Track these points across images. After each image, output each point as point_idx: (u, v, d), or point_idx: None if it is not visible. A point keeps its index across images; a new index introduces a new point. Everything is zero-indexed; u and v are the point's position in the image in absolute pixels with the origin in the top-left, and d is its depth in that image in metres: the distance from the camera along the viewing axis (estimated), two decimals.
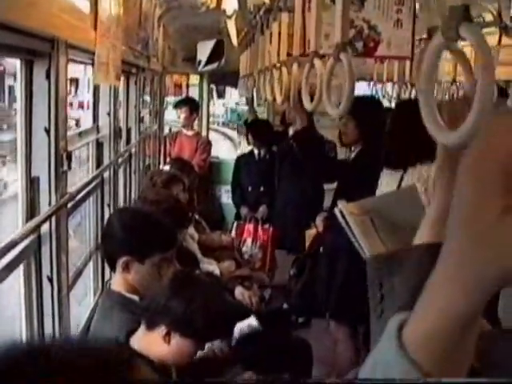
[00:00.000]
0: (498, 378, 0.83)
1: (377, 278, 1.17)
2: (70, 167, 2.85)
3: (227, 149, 13.29)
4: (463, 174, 0.68)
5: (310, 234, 5.63)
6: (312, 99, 2.15)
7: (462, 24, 0.98)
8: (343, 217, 1.45)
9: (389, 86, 6.40)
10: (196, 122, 8.28)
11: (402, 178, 3.96)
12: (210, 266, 4.85)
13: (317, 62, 2.09)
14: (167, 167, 5.91)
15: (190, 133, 7.89)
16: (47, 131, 2.65)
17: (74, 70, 4.15)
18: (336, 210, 1.45)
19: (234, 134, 14.45)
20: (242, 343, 3.53)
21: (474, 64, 0.97)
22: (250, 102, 7.40)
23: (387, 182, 4.12)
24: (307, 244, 5.52)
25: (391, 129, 4.10)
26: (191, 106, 7.88)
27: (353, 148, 4.89)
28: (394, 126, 4.09)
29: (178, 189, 4.76)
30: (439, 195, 1.20)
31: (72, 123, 8.28)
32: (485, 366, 0.91)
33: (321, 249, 4.89)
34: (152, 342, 2.51)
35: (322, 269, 4.74)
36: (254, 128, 7.34)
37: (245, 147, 7.97)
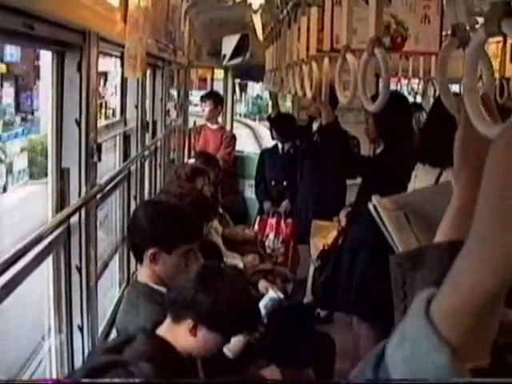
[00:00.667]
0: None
1: (399, 276, 1.18)
2: (99, 159, 2.87)
3: (246, 134, 15.15)
4: (493, 160, 0.72)
5: (318, 224, 5.64)
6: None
7: (504, 19, 0.98)
8: (377, 211, 1.44)
9: (414, 82, 6.38)
10: (220, 115, 8.30)
11: (439, 176, 3.94)
12: (234, 259, 4.86)
13: (349, 56, 2.09)
14: (192, 160, 5.92)
15: (214, 126, 7.90)
16: (78, 123, 2.67)
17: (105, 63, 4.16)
18: (370, 205, 1.45)
19: (253, 123, 17.27)
20: (273, 321, 3.52)
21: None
22: (273, 97, 7.38)
23: (422, 178, 4.10)
24: (313, 234, 5.54)
25: (428, 125, 4.09)
26: (215, 100, 7.89)
27: (377, 144, 4.90)
28: (432, 121, 4.07)
29: (202, 181, 4.77)
30: (460, 191, 1.20)
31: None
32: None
33: (344, 243, 4.89)
34: (178, 335, 2.51)
35: (344, 263, 4.74)
36: (278, 122, 7.32)
37: (262, 133, 8.02)
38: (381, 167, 4.68)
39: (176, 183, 4.55)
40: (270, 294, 3.21)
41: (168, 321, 2.56)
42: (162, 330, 2.55)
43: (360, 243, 4.52)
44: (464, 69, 1.06)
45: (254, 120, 17.91)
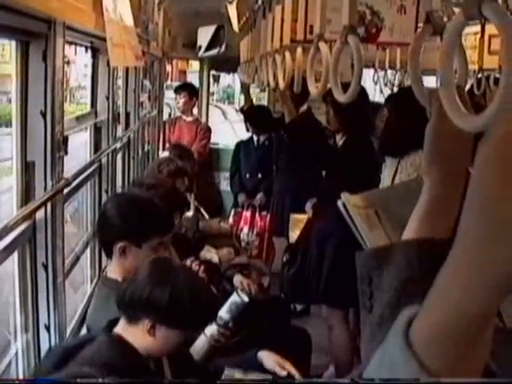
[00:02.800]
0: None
1: (365, 273, 1.15)
2: (66, 152, 2.79)
3: (217, 113, 18.50)
4: (483, 164, 0.63)
5: (295, 218, 5.63)
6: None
7: (484, 2, 0.92)
8: (346, 209, 1.38)
9: (390, 73, 6.33)
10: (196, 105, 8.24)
11: (397, 166, 3.98)
12: (209, 253, 4.80)
13: (322, 45, 2.03)
14: (166, 153, 5.85)
15: (189, 118, 7.83)
16: (43, 115, 2.59)
17: None
18: (339, 202, 1.38)
19: (223, 106, 22.38)
20: (240, 324, 3.47)
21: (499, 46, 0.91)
22: (245, 88, 7.32)
23: (387, 169, 4.13)
24: (291, 228, 5.53)
25: (388, 117, 4.12)
26: (190, 92, 7.82)
27: (340, 135, 4.90)
28: (391, 114, 4.09)
29: (180, 182, 4.71)
30: (430, 187, 1.17)
31: None
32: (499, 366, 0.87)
33: (312, 235, 4.88)
34: (136, 335, 2.42)
35: (313, 254, 4.73)
36: (252, 114, 7.26)
37: (229, 112, 8.04)
38: (343, 158, 4.71)
39: (151, 175, 4.49)
40: (232, 298, 3.16)
41: (123, 322, 2.46)
42: (118, 331, 2.46)
43: (327, 234, 4.51)
44: (440, 58, 1.00)
45: (224, 103, 23.23)
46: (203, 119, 8.73)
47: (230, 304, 3.21)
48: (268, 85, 3.61)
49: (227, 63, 8.63)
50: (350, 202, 1.37)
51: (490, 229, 0.62)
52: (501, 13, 0.89)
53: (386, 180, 4.13)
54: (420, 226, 1.15)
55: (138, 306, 2.41)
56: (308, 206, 5.45)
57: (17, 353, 2.71)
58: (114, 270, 2.93)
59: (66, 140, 2.78)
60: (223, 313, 3.16)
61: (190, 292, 2.43)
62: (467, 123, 0.91)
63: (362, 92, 4.99)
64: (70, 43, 3.20)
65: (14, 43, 2.56)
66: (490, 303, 0.64)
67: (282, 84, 3.08)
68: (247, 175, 7.25)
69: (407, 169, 3.87)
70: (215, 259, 4.72)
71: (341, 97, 1.62)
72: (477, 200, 0.64)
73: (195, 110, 8.28)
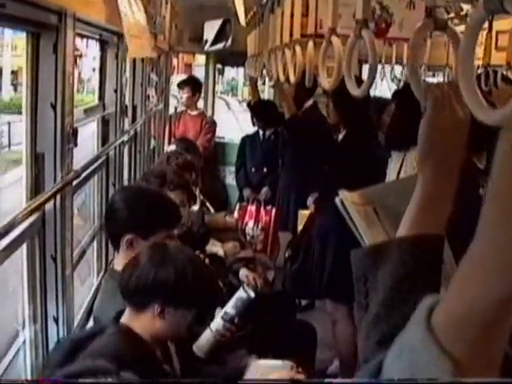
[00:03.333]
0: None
1: (361, 271, 1.15)
2: (75, 144, 2.79)
3: (221, 104, 18.62)
4: (504, 159, 0.62)
5: (303, 214, 5.63)
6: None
7: None
8: (344, 206, 1.38)
9: (398, 68, 6.32)
10: (201, 101, 8.23)
11: (403, 160, 3.98)
12: (214, 247, 4.80)
13: (334, 39, 2.03)
14: (173, 146, 5.84)
15: (194, 112, 7.81)
16: (53, 107, 2.59)
17: None
18: (337, 200, 1.38)
19: (227, 97, 22.70)
20: (245, 319, 3.47)
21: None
22: (252, 83, 7.30)
23: (393, 164, 4.13)
24: (300, 224, 5.53)
25: (394, 111, 4.12)
26: (193, 86, 7.79)
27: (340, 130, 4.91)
28: (397, 108, 4.10)
29: (188, 175, 4.70)
30: (423, 183, 1.17)
31: None
32: None
33: (314, 230, 4.88)
34: (144, 323, 2.42)
35: (315, 250, 4.73)
36: (258, 109, 7.24)
37: (232, 103, 8.04)
38: (342, 153, 4.71)
39: (159, 168, 4.49)
40: (238, 294, 3.16)
41: (129, 311, 2.46)
42: (125, 321, 2.46)
43: (330, 229, 4.50)
44: (460, 50, 1.00)
45: (228, 95, 23.69)
46: (209, 111, 8.74)
47: (236, 299, 3.21)
48: (277, 79, 3.61)
49: (233, 57, 8.62)
50: (347, 199, 1.37)
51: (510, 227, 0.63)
52: None
53: (391, 174, 4.12)
54: (413, 222, 1.15)
55: (145, 292, 2.42)
56: (310, 201, 5.45)
57: (24, 343, 2.72)
58: (120, 263, 2.93)
59: (75, 132, 2.78)
60: (229, 308, 3.15)
61: (192, 268, 2.45)
62: (487, 116, 0.91)
63: None
64: (80, 36, 3.19)
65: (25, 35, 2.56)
66: (508, 294, 0.65)
67: (292, 78, 3.08)
68: (253, 169, 7.24)
69: (412, 162, 3.87)
70: (220, 253, 4.72)
71: (355, 90, 1.61)
72: (502, 194, 0.64)
73: (201, 103, 8.28)
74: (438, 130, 1.14)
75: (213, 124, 7.98)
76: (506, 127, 0.70)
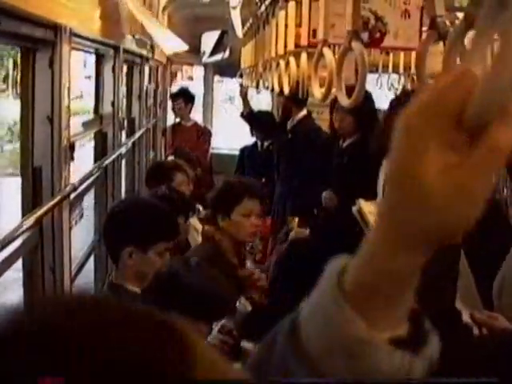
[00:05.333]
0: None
1: None
2: (72, 158, 2.81)
3: (222, 113, 18.97)
4: (402, 128, 0.66)
5: (292, 220, 5.62)
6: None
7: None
8: (361, 216, 1.39)
9: (394, 77, 6.33)
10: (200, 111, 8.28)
11: None
12: None
13: (326, 50, 2.05)
14: (171, 157, 5.86)
15: (188, 124, 7.85)
16: (50, 120, 2.61)
17: None
18: (353, 210, 1.40)
19: (225, 105, 22.29)
20: (243, 331, 3.49)
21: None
22: (243, 93, 7.29)
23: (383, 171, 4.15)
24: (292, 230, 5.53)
25: (384, 121, 4.14)
26: (185, 98, 7.83)
27: (345, 139, 4.91)
28: (387, 116, 4.12)
29: (186, 186, 4.71)
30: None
31: None
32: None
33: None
34: None
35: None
36: (255, 120, 7.26)
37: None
38: (353, 163, 4.73)
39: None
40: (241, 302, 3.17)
41: None
42: None
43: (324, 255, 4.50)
44: (442, 63, 1.02)
45: (226, 103, 23.28)
46: (208, 122, 8.82)
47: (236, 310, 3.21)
48: (272, 90, 3.63)
49: (231, 68, 8.66)
50: (364, 209, 1.38)
51: (400, 191, 0.67)
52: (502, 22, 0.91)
53: (380, 183, 4.14)
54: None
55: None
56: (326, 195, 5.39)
57: None
58: (119, 276, 2.94)
59: (72, 146, 2.80)
60: (226, 321, 3.17)
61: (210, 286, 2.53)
62: None
63: (370, 95, 5.03)
64: (77, 49, 3.22)
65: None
66: (399, 264, 0.69)
67: (286, 89, 3.10)
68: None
69: None
70: None
71: (345, 101, 1.63)
72: (394, 164, 0.67)
73: (200, 114, 8.34)
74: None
75: (208, 134, 8.02)
76: None
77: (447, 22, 1.33)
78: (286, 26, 3.29)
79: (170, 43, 3.25)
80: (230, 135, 11.34)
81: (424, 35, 3.57)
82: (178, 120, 7.98)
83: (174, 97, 7.87)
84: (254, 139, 7.43)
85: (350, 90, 1.70)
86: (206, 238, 5.01)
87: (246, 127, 7.35)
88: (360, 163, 4.59)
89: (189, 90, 8.36)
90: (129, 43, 4.28)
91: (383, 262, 0.69)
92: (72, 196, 2.93)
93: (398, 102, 4.30)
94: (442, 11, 1.33)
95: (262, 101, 10.09)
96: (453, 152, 0.64)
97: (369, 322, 0.70)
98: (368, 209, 1.36)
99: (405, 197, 0.66)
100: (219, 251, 3.58)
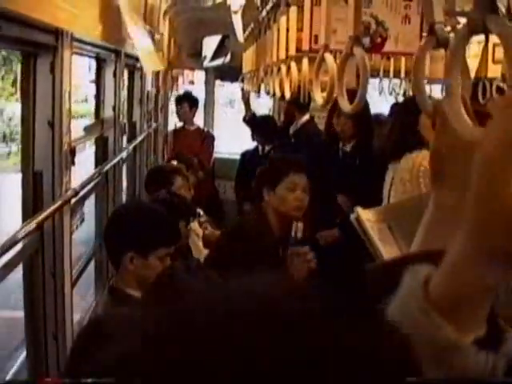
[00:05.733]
0: None
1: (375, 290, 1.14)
2: (73, 162, 2.81)
3: (222, 116, 18.89)
4: (482, 158, 0.72)
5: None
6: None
7: (488, 15, 0.93)
8: (359, 224, 1.39)
9: (396, 82, 6.33)
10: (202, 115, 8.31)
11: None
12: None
13: (327, 56, 2.05)
14: (174, 162, 5.86)
15: (192, 127, 7.87)
16: (51, 125, 2.61)
17: None
18: (352, 217, 1.39)
19: (226, 109, 22.53)
20: None
21: (503, 56, 0.92)
22: (246, 98, 7.30)
23: (388, 175, 4.14)
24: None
25: (392, 124, 4.15)
26: (190, 102, 7.85)
27: (344, 143, 4.92)
28: (395, 121, 4.13)
29: (187, 191, 4.72)
30: (437, 200, 1.16)
31: None
32: None
33: None
34: None
35: None
36: (256, 124, 7.26)
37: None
38: (357, 166, 4.75)
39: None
40: None
41: None
42: None
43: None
44: (444, 69, 1.02)
45: (226, 107, 23.51)
46: (209, 126, 8.86)
47: None
48: (274, 94, 3.64)
49: (232, 73, 8.67)
50: (362, 217, 1.37)
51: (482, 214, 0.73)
52: (504, 26, 0.91)
53: (386, 186, 4.13)
54: (426, 237, 1.14)
55: None
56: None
57: (24, 361, 2.73)
58: (120, 280, 2.94)
59: (73, 150, 2.80)
60: None
61: None
62: (471, 134, 0.93)
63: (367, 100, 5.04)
64: (78, 54, 3.22)
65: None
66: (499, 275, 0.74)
67: (288, 93, 3.10)
68: (252, 184, 7.23)
69: (399, 174, 3.87)
70: None
71: (347, 107, 1.63)
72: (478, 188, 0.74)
73: (201, 118, 8.37)
74: (448, 145, 1.13)
75: (212, 139, 8.04)
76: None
77: (448, 27, 1.33)
78: (288, 30, 3.29)
79: (149, 64, 3.28)
80: (231, 139, 11.38)
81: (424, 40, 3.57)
82: (181, 124, 8.01)
83: (179, 101, 7.90)
84: (254, 143, 7.43)
85: (350, 94, 1.70)
86: (208, 242, 5.03)
87: (247, 131, 7.36)
88: (368, 166, 4.62)
89: (193, 94, 8.39)
90: (130, 47, 4.27)
91: (471, 276, 0.74)
92: (73, 201, 2.93)
93: (406, 109, 4.28)
94: (441, 17, 1.33)
95: (263, 105, 10.10)
96: None
97: (455, 327, 0.74)
98: (366, 216, 1.35)
99: (493, 219, 0.72)
100: (264, 224, 3.67)
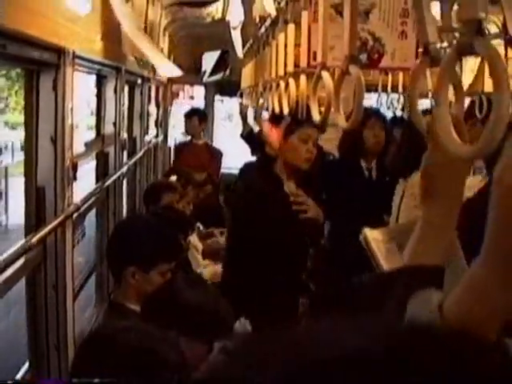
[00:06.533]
0: None
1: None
2: (75, 177, 2.84)
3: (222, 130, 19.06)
4: (506, 189, 0.75)
5: None
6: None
7: (476, 39, 0.97)
8: (366, 243, 1.41)
9: (394, 96, 6.37)
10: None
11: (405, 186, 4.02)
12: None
13: (324, 74, 2.08)
14: (173, 177, 5.89)
15: (200, 142, 7.92)
16: (53, 141, 2.65)
17: None
18: (360, 237, 1.42)
19: (225, 123, 23.53)
20: None
21: (489, 76, 0.96)
22: (243, 115, 7.33)
23: (397, 190, 4.16)
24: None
25: (400, 140, 4.15)
26: (199, 116, 7.91)
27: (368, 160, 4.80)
28: (402, 137, 4.14)
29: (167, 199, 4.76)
30: (425, 217, 1.18)
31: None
32: None
33: None
34: None
35: None
36: (254, 141, 7.30)
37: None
38: (381, 183, 4.65)
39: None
40: (236, 326, 3.18)
41: None
42: None
43: None
44: (434, 91, 1.06)
45: (226, 121, 24.48)
46: (209, 139, 8.94)
47: (234, 331, 3.23)
48: (272, 110, 3.67)
49: (231, 88, 8.71)
50: (369, 237, 1.39)
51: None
52: (491, 48, 0.95)
53: (396, 200, 4.14)
54: (413, 253, 1.17)
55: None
56: None
57: (27, 372, 2.76)
58: (121, 295, 2.96)
59: (75, 166, 2.83)
60: (229, 342, 3.17)
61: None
62: (460, 152, 0.97)
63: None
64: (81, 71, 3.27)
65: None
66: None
67: (286, 110, 3.13)
68: None
69: (412, 188, 3.89)
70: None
71: (343, 123, 1.67)
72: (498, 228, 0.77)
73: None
74: (438, 163, 1.16)
75: (220, 154, 8.09)
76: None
77: (445, 43, 1.37)
78: (286, 47, 3.33)
79: (166, 68, 3.33)
80: (230, 151, 11.47)
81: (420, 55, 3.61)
82: (186, 138, 8.04)
83: (189, 115, 7.95)
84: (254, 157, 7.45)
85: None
86: (210, 250, 5.08)
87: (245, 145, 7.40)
88: (392, 183, 4.43)
89: (202, 109, 8.46)
90: (130, 64, 4.32)
91: (495, 299, 0.79)
92: (75, 215, 2.96)
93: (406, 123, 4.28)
94: (435, 37, 1.37)
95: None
96: None
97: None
98: (372, 236, 1.37)
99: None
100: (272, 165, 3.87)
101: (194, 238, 5.03)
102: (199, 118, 7.85)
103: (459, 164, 1.14)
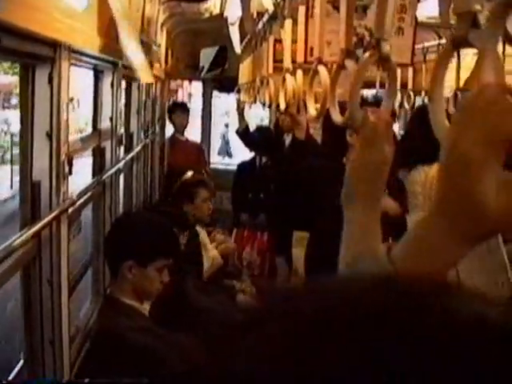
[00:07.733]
0: None
1: None
2: (71, 172, 2.84)
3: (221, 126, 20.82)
4: (459, 155, 0.78)
5: (298, 235, 5.62)
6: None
7: (470, 31, 0.97)
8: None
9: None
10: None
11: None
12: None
13: (321, 68, 2.08)
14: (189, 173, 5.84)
15: (183, 138, 7.92)
16: (49, 136, 2.64)
17: None
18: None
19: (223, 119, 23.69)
20: None
21: (482, 71, 0.96)
22: (240, 110, 7.32)
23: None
24: (294, 245, 5.52)
25: (405, 132, 4.15)
26: (185, 110, 7.91)
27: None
28: (411, 130, 4.14)
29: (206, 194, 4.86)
30: (355, 216, 1.18)
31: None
32: None
33: None
34: None
35: None
36: (248, 137, 7.29)
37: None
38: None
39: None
40: None
41: None
42: None
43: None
44: (429, 83, 1.06)
45: (223, 117, 24.04)
46: (206, 136, 8.97)
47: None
48: (270, 106, 3.67)
49: (229, 84, 8.71)
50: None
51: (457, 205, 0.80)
52: (485, 40, 0.95)
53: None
54: (342, 252, 1.17)
55: None
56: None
57: (22, 368, 2.75)
58: (117, 289, 2.96)
59: (70, 160, 2.83)
60: None
61: None
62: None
63: None
64: (77, 66, 3.25)
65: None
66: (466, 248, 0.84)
67: (282, 105, 3.13)
68: (249, 195, 7.25)
69: (414, 185, 3.87)
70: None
71: (339, 119, 1.66)
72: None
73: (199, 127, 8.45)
74: (363, 166, 1.18)
75: (204, 151, 8.12)
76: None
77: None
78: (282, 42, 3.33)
79: (144, 74, 3.35)
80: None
81: (416, 51, 3.62)
82: (175, 133, 8.03)
83: (175, 109, 7.93)
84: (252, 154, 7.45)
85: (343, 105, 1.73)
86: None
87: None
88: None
89: (186, 104, 8.45)
90: (127, 59, 4.30)
91: (439, 249, 0.83)
92: (70, 210, 2.96)
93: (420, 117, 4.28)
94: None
95: (260, 115, 10.20)
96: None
97: None
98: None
99: (464, 211, 0.79)
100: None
101: (204, 234, 5.02)
102: (184, 112, 7.88)
103: (381, 169, 1.16)
